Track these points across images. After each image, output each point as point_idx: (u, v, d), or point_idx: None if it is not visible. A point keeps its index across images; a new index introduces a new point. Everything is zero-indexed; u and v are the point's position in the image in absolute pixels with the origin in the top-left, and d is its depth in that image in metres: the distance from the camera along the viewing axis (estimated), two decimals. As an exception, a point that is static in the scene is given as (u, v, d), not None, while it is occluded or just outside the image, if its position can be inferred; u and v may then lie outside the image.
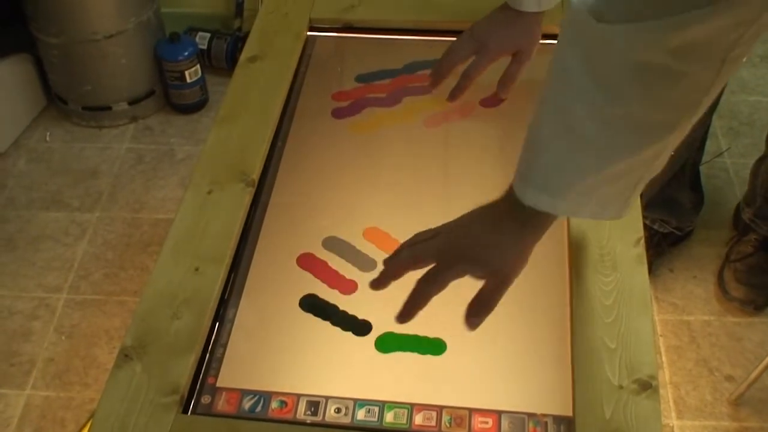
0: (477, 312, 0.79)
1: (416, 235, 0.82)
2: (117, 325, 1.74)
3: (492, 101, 1.14)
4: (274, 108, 1.13)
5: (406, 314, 0.79)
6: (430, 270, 0.78)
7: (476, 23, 1.10)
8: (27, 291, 1.84)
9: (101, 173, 2.13)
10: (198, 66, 2.23)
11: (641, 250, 0.94)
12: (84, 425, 1.48)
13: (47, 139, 2.25)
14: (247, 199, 1.00)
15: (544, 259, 0.94)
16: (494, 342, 0.86)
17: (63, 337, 1.74)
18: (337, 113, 1.14)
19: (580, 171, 0.73)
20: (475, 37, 1.09)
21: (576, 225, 0.95)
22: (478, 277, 0.78)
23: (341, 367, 0.85)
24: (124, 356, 0.84)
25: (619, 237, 0.94)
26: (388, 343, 0.87)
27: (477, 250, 0.78)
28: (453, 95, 1.10)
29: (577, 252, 0.93)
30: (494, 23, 1.09)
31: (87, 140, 2.24)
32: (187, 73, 2.21)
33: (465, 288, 0.78)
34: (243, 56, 1.22)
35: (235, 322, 0.89)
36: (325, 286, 0.93)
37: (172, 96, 2.29)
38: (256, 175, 1.03)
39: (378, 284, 0.82)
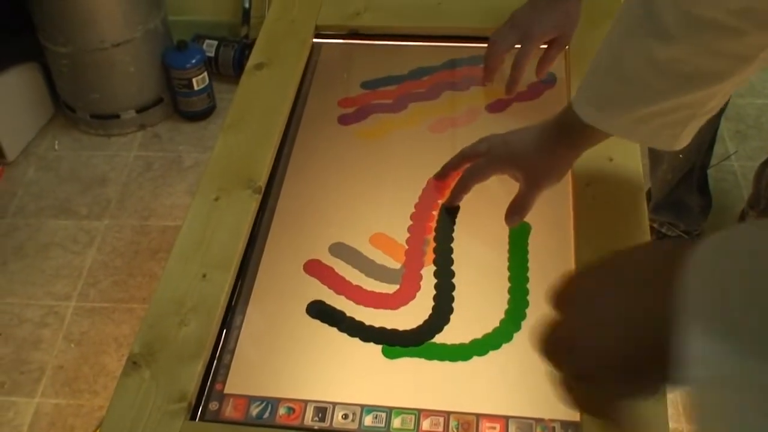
0: (513, 212, 0.93)
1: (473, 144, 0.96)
2: (126, 332, 1.75)
3: (498, 106, 1.14)
4: (281, 115, 1.13)
5: (452, 199, 0.97)
6: (476, 162, 0.94)
7: (516, 11, 1.12)
8: (36, 299, 1.85)
9: (109, 181, 2.14)
10: (205, 73, 2.24)
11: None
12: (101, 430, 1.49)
13: (56, 147, 2.26)
14: (254, 206, 1.00)
15: (550, 260, 0.94)
16: (501, 347, 0.86)
17: (72, 345, 1.75)
18: (343, 120, 1.15)
19: (630, 102, 0.81)
20: (517, 25, 1.11)
21: (582, 229, 0.95)
22: (516, 177, 0.93)
23: (348, 374, 0.85)
24: (133, 363, 0.84)
25: (625, 241, 0.94)
26: (394, 351, 0.87)
27: (520, 153, 0.91)
28: (510, 89, 1.12)
29: (583, 256, 0.93)
30: (535, 10, 1.11)
31: (95, 148, 2.25)
32: (194, 80, 2.22)
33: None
34: (249, 63, 1.23)
35: (243, 329, 0.90)
36: (332, 292, 0.93)
37: (179, 104, 2.30)
38: (263, 182, 1.03)
39: (439, 176, 1.01)
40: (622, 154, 1.01)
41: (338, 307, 0.91)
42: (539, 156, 0.90)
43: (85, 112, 2.26)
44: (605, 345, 0.48)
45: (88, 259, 1.94)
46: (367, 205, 1.03)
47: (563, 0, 1.10)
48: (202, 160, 2.18)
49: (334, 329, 0.89)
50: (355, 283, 0.94)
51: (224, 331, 0.89)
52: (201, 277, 0.92)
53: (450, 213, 0.99)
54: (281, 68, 1.21)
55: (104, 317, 1.80)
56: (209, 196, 1.02)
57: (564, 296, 0.53)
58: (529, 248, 0.96)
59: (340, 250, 0.97)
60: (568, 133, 0.88)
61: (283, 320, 0.90)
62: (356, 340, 0.88)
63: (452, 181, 0.99)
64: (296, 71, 1.21)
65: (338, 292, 0.93)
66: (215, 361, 0.86)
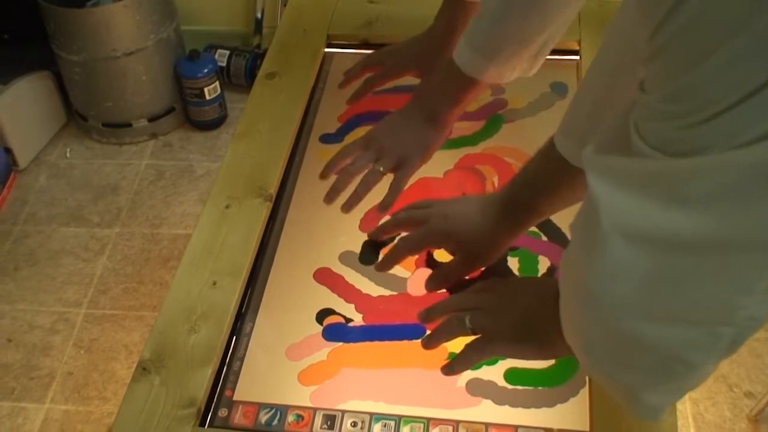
0: (435, 280, 0.89)
1: (414, 203, 0.93)
2: (136, 339, 1.75)
3: (508, 117, 1.15)
4: (292, 123, 1.14)
5: (383, 266, 0.92)
6: (411, 234, 0.90)
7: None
8: (47, 305, 1.85)
9: (121, 189, 2.15)
10: (217, 83, 2.25)
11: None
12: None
13: (67, 155, 2.28)
14: (265, 214, 1.01)
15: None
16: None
17: (82, 352, 1.75)
18: (349, 125, 1.15)
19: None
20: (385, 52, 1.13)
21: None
22: (450, 251, 0.89)
23: (358, 382, 0.85)
24: (142, 369, 0.84)
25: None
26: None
27: (460, 231, 0.87)
28: (353, 98, 1.11)
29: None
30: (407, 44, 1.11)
31: (107, 156, 2.26)
32: (206, 90, 2.22)
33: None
34: (261, 72, 1.23)
35: (252, 336, 0.90)
36: (341, 300, 0.93)
37: (191, 113, 2.31)
38: (273, 190, 1.04)
39: (375, 235, 0.96)
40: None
41: (348, 315, 0.91)
42: (479, 237, 0.86)
43: (97, 121, 2.27)
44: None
45: (98, 266, 1.95)
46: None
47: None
48: (214, 169, 2.19)
49: (344, 337, 0.89)
50: (365, 291, 0.94)
51: (234, 338, 0.89)
52: (211, 285, 0.92)
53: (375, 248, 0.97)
54: (293, 77, 1.22)
55: (114, 324, 1.80)
56: (220, 204, 1.02)
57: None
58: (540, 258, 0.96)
59: (350, 258, 0.97)
60: (514, 213, 0.85)
61: (292, 328, 0.90)
62: (365, 347, 0.88)
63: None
64: (308, 80, 1.21)
65: (348, 300, 0.93)
66: (225, 368, 0.87)
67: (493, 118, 1.15)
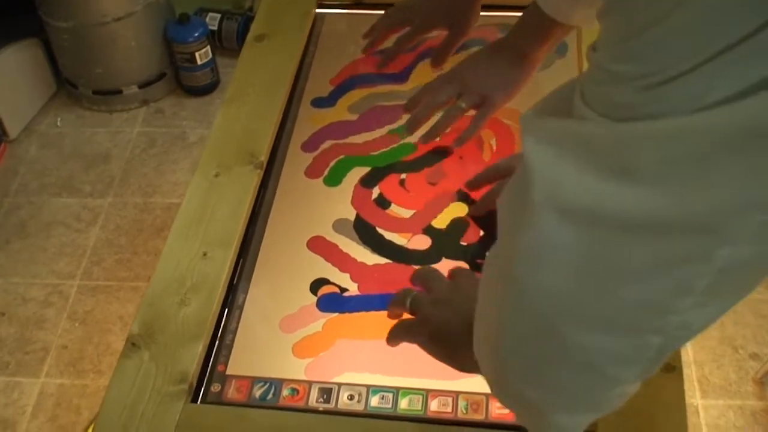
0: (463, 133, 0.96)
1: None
2: (131, 311, 1.74)
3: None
4: (283, 88, 1.11)
5: (411, 126, 0.99)
6: (433, 82, 0.98)
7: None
8: (40, 278, 1.84)
9: (113, 158, 2.13)
10: (208, 47, 2.21)
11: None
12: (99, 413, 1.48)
13: (58, 124, 2.25)
14: (256, 182, 0.98)
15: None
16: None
17: (76, 324, 1.74)
18: (343, 87, 1.12)
19: None
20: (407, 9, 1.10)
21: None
22: (469, 97, 0.96)
23: (354, 353, 0.84)
24: (132, 344, 0.82)
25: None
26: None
27: (473, 74, 0.96)
28: (383, 62, 1.12)
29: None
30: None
31: (98, 125, 2.23)
32: (197, 54, 2.19)
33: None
34: (250, 35, 1.20)
35: (245, 308, 0.88)
36: (336, 270, 0.91)
37: (182, 78, 2.28)
38: (264, 158, 1.01)
39: (409, 107, 1.01)
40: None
41: (343, 284, 0.89)
42: (495, 76, 0.95)
43: (87, 88, 2.24)
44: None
45: (91, 237, 1.93)
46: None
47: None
48: (207, 135, 2.15)
49: (339, 308, 0.87)
50: (360, 260, 0.91)
51: (226, 310, 0.87)
52: (201, 256, 0.90)
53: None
54: (283, 40, 1.19)
55: (109, 296, 1.79)
56: (209, 172, 1.00)
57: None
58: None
59: (343, 226, 0.95)
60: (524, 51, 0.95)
61: (286, 299, 0.88)
62: (361, 318, 0.86)
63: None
64: (299, 43, 1.18)
65: (343, 270, 0.91)
66: (217, 342, 0.85)
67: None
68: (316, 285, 0.89)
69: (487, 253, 0.55)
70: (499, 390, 0.58)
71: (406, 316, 0.78)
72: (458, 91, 0.98)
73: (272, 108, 1.08)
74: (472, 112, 0.98)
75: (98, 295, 1.79)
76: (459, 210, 0.96)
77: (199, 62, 2.21)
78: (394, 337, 0.78)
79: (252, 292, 0.89)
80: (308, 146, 1.06)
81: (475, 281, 0.78)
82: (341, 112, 1.10)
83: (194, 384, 0.80)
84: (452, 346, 0.72)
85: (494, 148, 1.03)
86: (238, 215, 0.94)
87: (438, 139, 0.99)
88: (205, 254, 0.90)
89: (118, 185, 2.05)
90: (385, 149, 1.04)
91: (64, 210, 1.99)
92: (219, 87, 2.32)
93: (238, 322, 0.87)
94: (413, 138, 1.03)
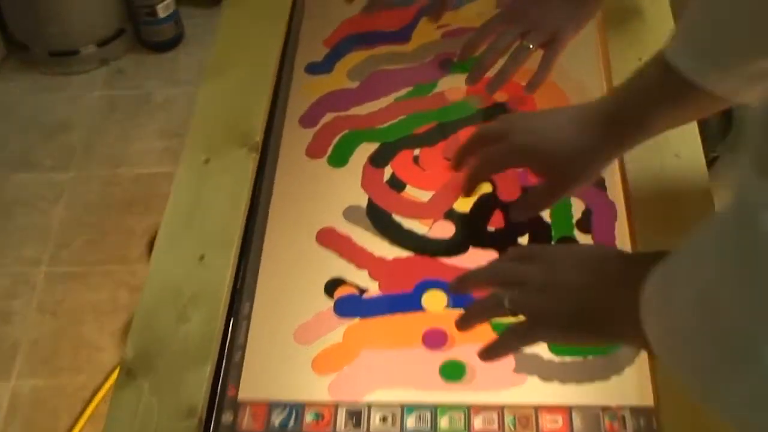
0: (523, 207, 0.82)
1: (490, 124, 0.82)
2: (104, 297, 1.64)
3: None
4: (273, 54, 1.00)
5: (475, 75, 0.91)
6: (492, 148, 0.78)
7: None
8: (3, 266, 1.73)
9: (73, 126, 2.00)
10: (171, -2, 2.09)
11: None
12: (79, 417, 1.39)
13: (11, 91, 2.11)
14: (252, 168, 0.89)
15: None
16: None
17: (47, 316, 1.63)
18: (339, 51, 1.02)
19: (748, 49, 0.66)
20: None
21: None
22: (537, 170, 0.77)
23: (382, 366, 0.75)
24: (127, 373, 0.73)
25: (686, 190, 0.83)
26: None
27: (548, 147, 0.75)
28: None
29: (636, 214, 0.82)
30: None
31: (55, 90, 2.10)
32: (159, 7, 2.09)
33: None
34: (228, -7, 1.08)
35: (252, 318, 0.79)
36: (352, 266, 0.82)
37: (144, 33, 2.17)
38: (259, 138, 0.91)
39: (455, 165, 0.83)
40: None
41: (362, 284, 0.80)
42: (575, 154, 0.74)
43: (41, 50, 2.11)
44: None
45: (56, 217, 1.81)
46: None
47: None
48: (174, 96, 2.04)
49: (360, 311, 0.78)
50: (378, 254, 0.82)
51: (231, 323, 0.78)
52: (198, 260, 0.81)
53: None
54: (267, -3, 1.07)
55: (79, 283, 1.68)
56: (197, 158, 0.90)
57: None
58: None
59: (355, 214, 0.86)
60: (619, 128, 0.73)
61: (299, 305, 0.79)
62: (390, 324, 0.78)
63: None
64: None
65: (360, 266, 0.82)
66: (224, 362, 0.76)
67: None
68: (331, 286, 0.81)
69: (671, 256, 0.53)
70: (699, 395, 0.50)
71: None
72: (523, 29, 0.89)
73: (262, 78, 0.98)
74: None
75: (68, 283, 1.68)
76: (481, 188, 0.87)
77: (161, 15, 2.10)
78: (504, 347, 0.68)
79: (259, 299, 0.80)
80: (307, 120, 0.96)
81: (550, 250, 0.74)
82: (340, 78, 1.00)
83: (204, 416, 0.71)
84: (596, 327, 0.62)
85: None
86: (237, 208, 0.85)
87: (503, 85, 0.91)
88: (202, 258, 0.81)
89: (80, 157, 1.93)
90: (393, 121, 0.95)
91: (24, 188, 1.87)
92: (183, 41, 2.21)
93: (246, 336, 0.78)
94: (427, 103, 0.93)
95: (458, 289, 0.72)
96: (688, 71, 0.67)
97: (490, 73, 0.91)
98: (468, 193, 0.82)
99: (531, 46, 0.89)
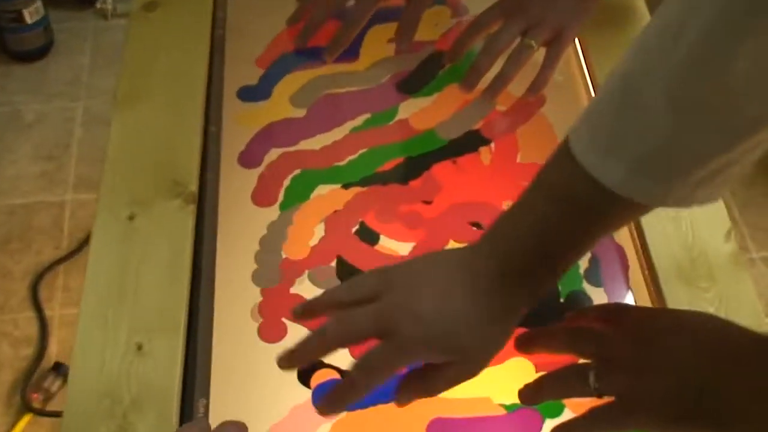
0: (408, 392, 0.58)
1: (346, 286, 0.61)
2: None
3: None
4: (197, 77, 0.85)
5: (471, 80, 0.80)
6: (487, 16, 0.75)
7: None
8: None
9: (-70, 152, 1.76)
10: (39, 2, 1.91)
11: (735, 245, 0.73)
12: None
13: None
14: (191, 224, 0.73)
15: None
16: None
17: None
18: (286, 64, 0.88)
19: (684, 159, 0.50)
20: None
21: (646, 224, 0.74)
22: (436, 360, 0.57)
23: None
24: None
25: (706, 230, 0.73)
26: None
27: (443, 331, 0.55)
28: (469, 82, 0.82)
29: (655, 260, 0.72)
30: None
31: None
32: (26, 12, 1.92)
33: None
34: (136, 3, 0.92)
35: (211, 421, 0.63)
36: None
37: (8, 42, 2.00)
38: (195, 185, 0.76)
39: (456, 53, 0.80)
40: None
41: (343, 365, 0.66)
42: (478, 336, 0.56)
43: None
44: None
45: None
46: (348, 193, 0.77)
47: None
48: (48, 113, 1.84)
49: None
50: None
51: (185, 429, 0.62)
52: (135, 350, 0.65)
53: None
54: (183, 6, 0.91)
55: (-49, 337, 1.47)
56: (119, 214, 0.74)
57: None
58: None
59: (323, 276, 0.73)
60: (520, 287, 0.56)
61: (268, 398, 0.65)
62: (381, 414, 0.64)
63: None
64: (205, 9, 0.92)
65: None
66: (183, 485, 0.60)
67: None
68: (306, 371, 0.66)
69: None
70: None
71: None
72: (524, 25, 0.80)
73: (189, 108, 0.82)
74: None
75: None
76: (471, 236, 0.74)
77: (28, 21, 1.92)
78: (592, 428, 0.56)
79: (216, 395, 0.65)
80: (248, 159, 0.81)
81: (650, 316, 0.59)
82: (282, 105, 0.85)
83: None
84: (714, 417, 0.51)
85: (493, 150, 0.81)
86: (178, 279, 0.69)
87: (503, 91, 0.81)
88: (140, 348, 0.65)
89: (-58, 188, 1.70)
90: (353, 156, 0.81)
91: None
92: (53, 49, 2.01)
93: (206, 446, 0.62)
94: (389, 134, 0.80)
95: (525, 349, 0.61)
96: (618, 186, 0.51)
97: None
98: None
99: (534, 45, 0.79)
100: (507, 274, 0.55)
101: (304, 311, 0.59)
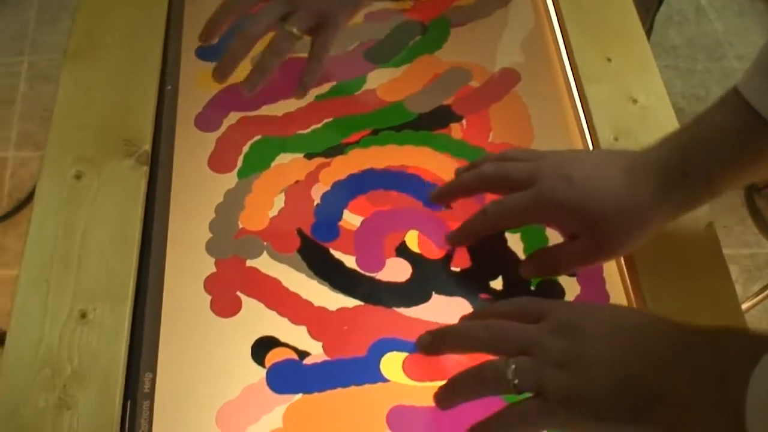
0: (541, 265, 0.65)
1: (506, 152, 0.67)
2: None
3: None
4: (155, 33, 0.80)
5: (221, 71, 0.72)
6: (509, 198, 0.62)
7: None
8: None
9: None
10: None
11: (714, 238, 0.71)
12: None
13: None
14: (143, 185, 0.69)
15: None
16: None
17: None
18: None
19: None
20: None
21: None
22: (572, 231, 0.61)
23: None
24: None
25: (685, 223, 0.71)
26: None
27: (593, 206, 0.59)
28: (221, 70, 0.76)
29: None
30: None
31: None
32: None
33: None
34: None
35: (156, 398, 0.60)
36: (285, 320, 0.64)
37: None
38: (148, 145, 0.71)
39: (436, 199, 0.69)
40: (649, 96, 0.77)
41: (300, 345, 0.63)
42: (624, 216, 0.59)
43: None
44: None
45: None
46: (311, 164, 0.74)
47: None
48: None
49: (302, 385, 0.61)
50: (318, 303, 0.66)
51: (128, 405, 0.59)
52: (79, 318, 0.61)
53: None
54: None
55: None
56: (65, 172, 0.69)
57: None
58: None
59: (286, 245, 0.69)
60: (683, 187, 0.59)
61: (219, 376, 0.61)
62: (339, 398, 0.61)
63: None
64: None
65: (295, 320, 0.65)
66: (125, 464, 0.57)
67: (437, 21, 0.86)
68: (261, 349, 0.63)
69: None
70: None
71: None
72: (283, 10, 0.73)
73: (145, 64, 0.78)
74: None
75: None
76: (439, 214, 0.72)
77: None
78: (510, 426, 0.52)
79: (163, 370, 0.61)
80: (205, 122, 0.77)
81: (588, 309, 0.57)
82: (243, 67, 0.81)
83: None
84: (659, 415, 0.48)
85: (464, 127, 0.78)
86: (127, 243, 0.65)
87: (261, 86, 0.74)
88: (83, 315, 0.61)
89: None
90: (317, 125, 0.77)
91: None
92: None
93: (150, 423, 0.59)
94: (356, 104, 0.77)
95: (431, 351, 0.58)
96: None
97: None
98: (221, 77, 0.72)
99: (296, 31, 0.73)
100: (669, 169, 0.58)
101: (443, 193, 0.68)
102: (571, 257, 0.62)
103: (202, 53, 0.82)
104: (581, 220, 0.60)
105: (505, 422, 0.53)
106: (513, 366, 0.52)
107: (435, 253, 0.68)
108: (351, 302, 0.66)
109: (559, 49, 0.83)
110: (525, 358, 0.52)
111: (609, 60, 0.80)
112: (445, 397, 0.56)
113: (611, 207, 0.58)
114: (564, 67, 0.81)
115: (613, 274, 0.68)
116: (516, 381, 0.52)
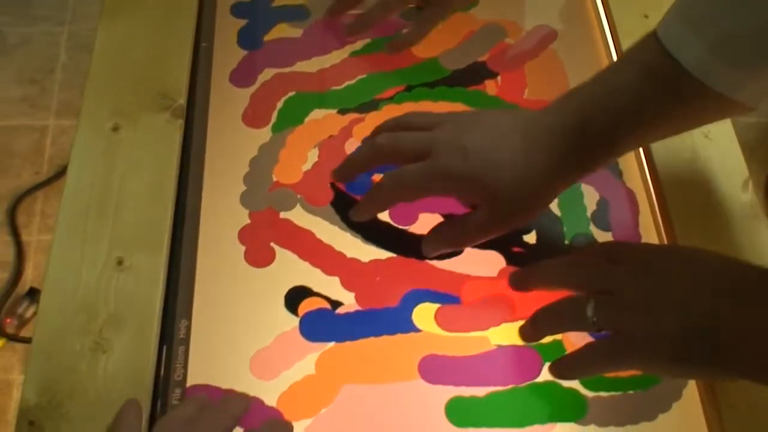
0: (440, 239, 0.62)
1: (402, 117, 0.63)
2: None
3: None
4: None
5: (359, 213, 0.63)
6: (405, 169, 0.59)
7: None
8: None
9: None
10: None
11: (752, 195, 0.70)
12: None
13: None
14: (178, 139, 0.70)
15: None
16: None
17: None
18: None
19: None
20: None
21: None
22: (472, 202, 0.60)
23: (371, 407, 0.59)
24: (29, 425, 0.54)
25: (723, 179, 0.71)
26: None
27: (490, 173, 0.57)
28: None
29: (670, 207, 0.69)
30: None
31: None
32: None
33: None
34: None
35: (192, 344, 0.61)
36: (318, 271, 0.65)
37: (-8, -40, 1.87)
38: (183, 99, 0.72)
39: (341, 175, 0.65)
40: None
41: (333, 295, 0.64)
42: (522, 179, 0.56)
43: None
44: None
45: None
46: (344, 119, 0.74)
47: None
48: (30, 35, 1.77)
49: (334, 333, 0.62)
50: (350, 254, 0.66)
51: (164, 351, 0.60)
52: (116, 265, 0.62)
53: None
54: None
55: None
56: (102, 125, 0.70)
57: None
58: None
59: (319, 198, 0.69)
60: (583, 148, 0.57)
61: (253, 324, 0.62)
62: (371, 347, 0.61)
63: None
64: None
65: (328, 271, 0.65)
66: (159, 404, 0.58)
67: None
68: (294, 298, 0.64)
69: None
70: None
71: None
72: None
73: (181, 19, 0.78)
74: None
75: None
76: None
77: None
78: (585, 368, 0.54)
79: (198, 317, 0.62)
80: (240, 78, 0.77)
81: (657, 251, 0.58)
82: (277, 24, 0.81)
83: (139, 488, 0.53)
84: (721, 357, 0.49)
85: (499, 83, 0.78)
86: (163, 194, 0.66)
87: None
88: (120, 262, 0.62)
89: None
90: (351, 81, 0.77)
91: None
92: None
93: (185, 368, 0.60)
94: (390, 60, 0.77)
95: (520, 286, 0.59)
96: (695, 67, 0.52)
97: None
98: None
99: None
100: (568, 132, 0.56)
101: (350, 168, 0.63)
102: (472, 229, 0.59)
103: (237, 10, 0.82)
104: (478, 192, 0.57)
105: (585, 360, 0.54)
106: (593, 303, 0.52)
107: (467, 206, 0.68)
108: (383, 254, 0.66)
109: (596, 5, 0.82)
110: (606, 297, 0.52)
111: (646, 16, 0.78)
112: (527, 332, 0.58)
113: (507, 177, 0.56)
114: (601, 23, 0.81)
115: (648, 225, 0.68)
116: (595, 318, 0.52)
